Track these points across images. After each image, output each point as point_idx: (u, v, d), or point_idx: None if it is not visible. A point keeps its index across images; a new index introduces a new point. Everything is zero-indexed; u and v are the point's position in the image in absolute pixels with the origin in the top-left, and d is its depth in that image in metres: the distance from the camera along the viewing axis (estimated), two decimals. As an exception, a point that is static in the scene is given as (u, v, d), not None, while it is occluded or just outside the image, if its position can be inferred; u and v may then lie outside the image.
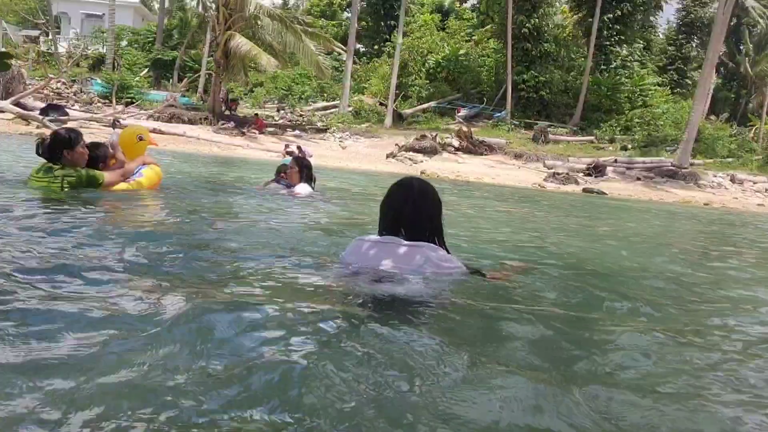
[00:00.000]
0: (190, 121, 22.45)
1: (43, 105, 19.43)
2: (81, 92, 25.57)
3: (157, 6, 38.53)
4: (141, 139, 5.02)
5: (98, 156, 4.60)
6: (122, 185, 4.60)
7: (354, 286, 2.25)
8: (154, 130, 16.71)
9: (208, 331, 1.63)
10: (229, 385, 1.33)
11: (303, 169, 6.18)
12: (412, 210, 2.38)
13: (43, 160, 4.32)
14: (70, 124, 17.44)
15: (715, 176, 21.80)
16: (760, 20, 30.86)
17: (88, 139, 4.63)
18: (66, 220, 3.26)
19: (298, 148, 18.65)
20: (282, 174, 6.52)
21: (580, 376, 1.62)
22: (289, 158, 15.67)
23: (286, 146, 18.74)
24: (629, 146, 24.94)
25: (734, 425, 1.41)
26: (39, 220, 3.18)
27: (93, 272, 2.20)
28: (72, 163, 4.28)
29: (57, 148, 4.26)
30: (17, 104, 17.82)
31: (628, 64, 30.55)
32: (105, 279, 2.13)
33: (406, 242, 2.34)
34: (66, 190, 4.16)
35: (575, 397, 1.39)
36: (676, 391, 1.58)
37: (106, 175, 4.46)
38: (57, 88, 24.28)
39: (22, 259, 2.27)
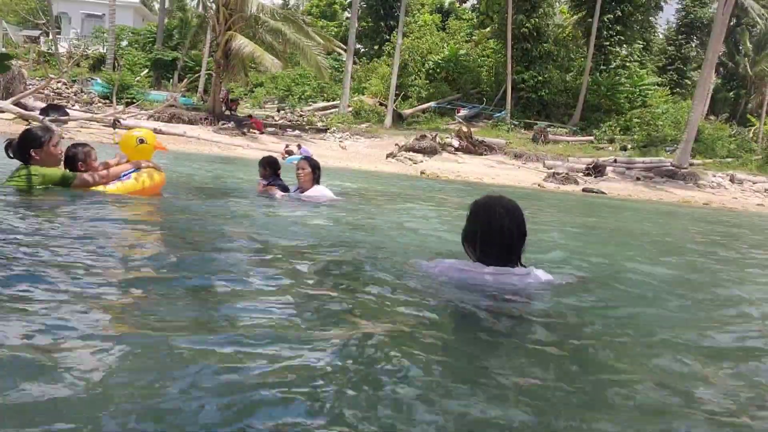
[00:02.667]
0: (191, 121, 22.50)
1: (43, 105, 19.45)
2: (81, 92, 25.59)
3: (157, 6, 38.56)
4: (141, 141, 4.69)
5: (76, 155, 4.31)
6: (101, 188, 4.28)
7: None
8: (154, 130, 16.70)
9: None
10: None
11: (315, 170, 5.71)
12: (509, 234, 2.39)
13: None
14: (70, 125, 17.50)
15: (715, 176, 21.82)
16: (760, 20, 30.84)
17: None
18: (29, 222, 3.06)
19: (298, 147, 18.77)
20: (277, 172, 6.14)
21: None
22: (289, 158, 15.78)
23: (287, 146, 18.81)
24: (629, 146, 24.96)
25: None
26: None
27: (89, 276, 2.13)
28: (42, 164, 3.98)
29: (25, 148, 3.98)
30: (18, 104, 17.81)
31: (628, 64, 30.55)
32: (98, 284, 2.05)
33: (517, 271, 2.38)
34: (37, 188, 3.89)
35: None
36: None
37: (79, 176, 4.16)
38: (57, 89, 24.29)
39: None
